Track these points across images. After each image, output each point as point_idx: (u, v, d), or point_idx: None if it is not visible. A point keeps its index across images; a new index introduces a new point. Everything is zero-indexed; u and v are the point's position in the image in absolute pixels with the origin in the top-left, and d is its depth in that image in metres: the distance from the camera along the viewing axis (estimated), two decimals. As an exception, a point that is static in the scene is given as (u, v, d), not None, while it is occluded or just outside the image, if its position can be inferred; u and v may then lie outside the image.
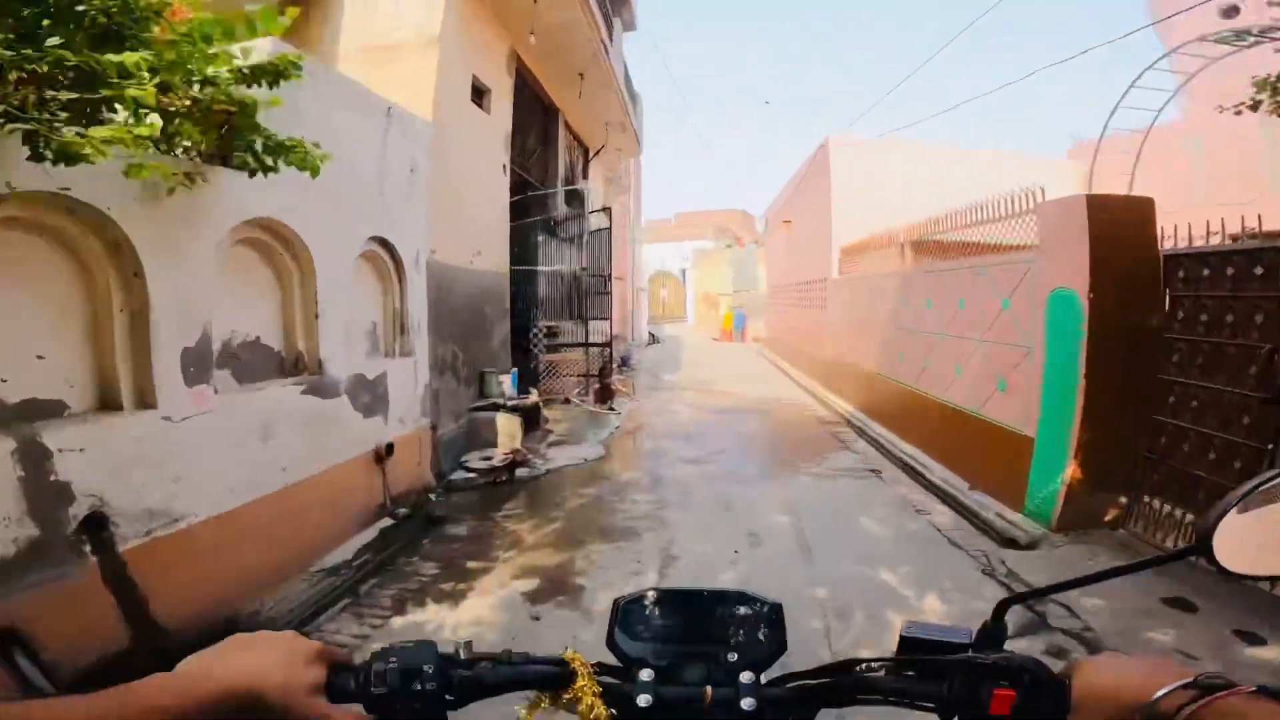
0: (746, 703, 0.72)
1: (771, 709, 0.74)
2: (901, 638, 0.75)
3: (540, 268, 9.25)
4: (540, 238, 9.41)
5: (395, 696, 0.68)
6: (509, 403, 7.33)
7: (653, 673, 0.76)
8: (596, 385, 10.24)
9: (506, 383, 7.58)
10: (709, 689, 0.74)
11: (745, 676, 0.75)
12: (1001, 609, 0.73)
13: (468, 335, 7.38)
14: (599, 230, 11.27)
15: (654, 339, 26.80)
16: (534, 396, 8.14)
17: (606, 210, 11.35)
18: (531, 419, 7.78)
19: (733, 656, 0.79)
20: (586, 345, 11.51)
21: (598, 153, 15.09)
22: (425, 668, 0.70)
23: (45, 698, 0.63)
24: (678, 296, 38.12)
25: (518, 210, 8.94)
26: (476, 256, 7.55)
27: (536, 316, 9.36)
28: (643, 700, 0.73)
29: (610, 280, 11.11)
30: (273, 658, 0.66)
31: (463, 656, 0.75)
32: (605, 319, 11.27)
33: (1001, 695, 0.66)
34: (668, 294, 37.34)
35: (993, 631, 0.72)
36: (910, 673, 0.73)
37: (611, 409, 10.01)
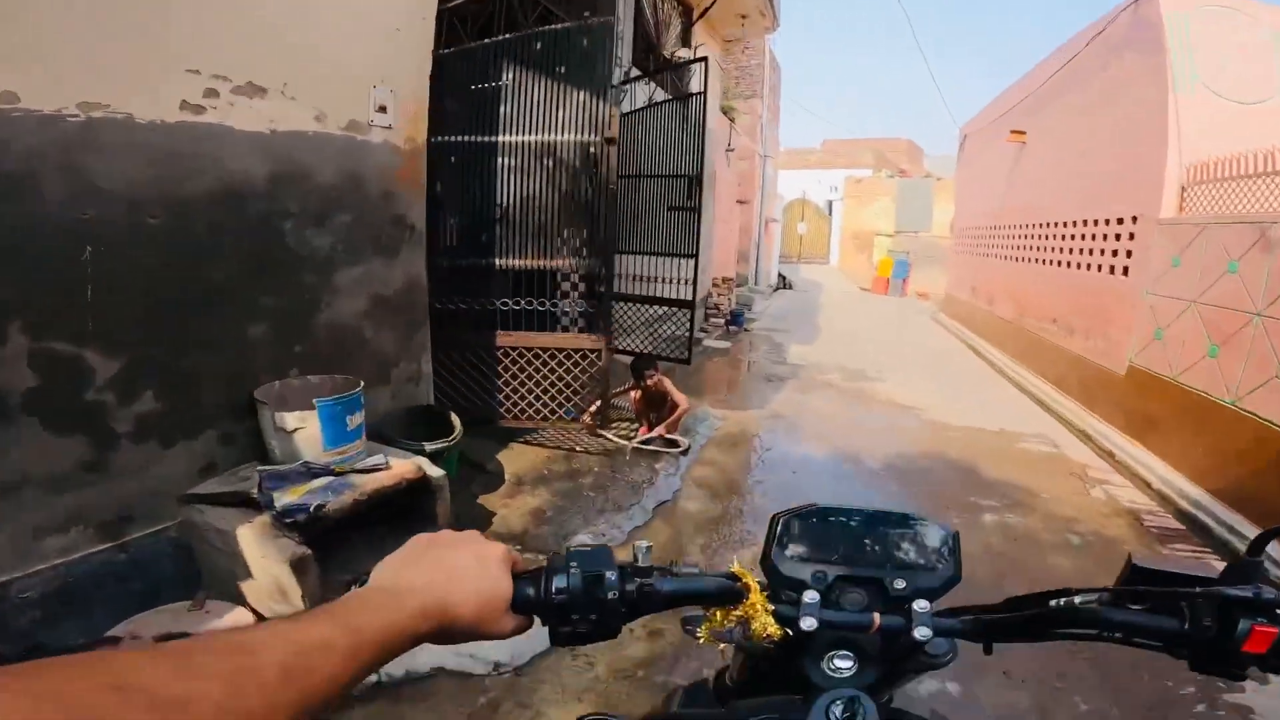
0: (920, 632, 0.68)
1: (949, 640, 0.71)
2: (1132, 567, 0.65)
3: (526, 138, 4.28)
4: (537, 85, 4.32)
5: (575, 605, 0.64)
6: (310, 490, 2.74)
7: (817, 595, 0.71)
8: (635, 394, 5.39)
9: (314, 428, 2.98)
10: (877, 615, 0.70)
11: (919, 605, 0.70)
12: (1262, 542, 0.63)
13: (211, 302, 2.82)
14: (686, 98, 6.12)
15: (784, 283, 21.34)
16: (404, 467, 3.46)
17: (700, 61, 6.13)
18: (399, 514, 3.20)
19: (900, 583, 0.73)
20: (648, 300, 6.58)
21: (705, 11, 9.64)
22: (607, 574, 0.65)
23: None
24: (820, 232, 31.72)
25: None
26: (256, 97, 2.86)
27: (524, 247, 4.48)
28: (807, 623, 0.69)
29: (700, 187, 6.01)
30: (464, 564, 0.61)
31: (641, 563, 0.70)
32: (690, 256, 6.26)
33: (1262, 632, 0.58)
34: (807, 229, 31.08)
35: (1246, 566, 0.62)
36: (1136, 607, 0.64)
37: (671, 443, 5.14)
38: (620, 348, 6.95)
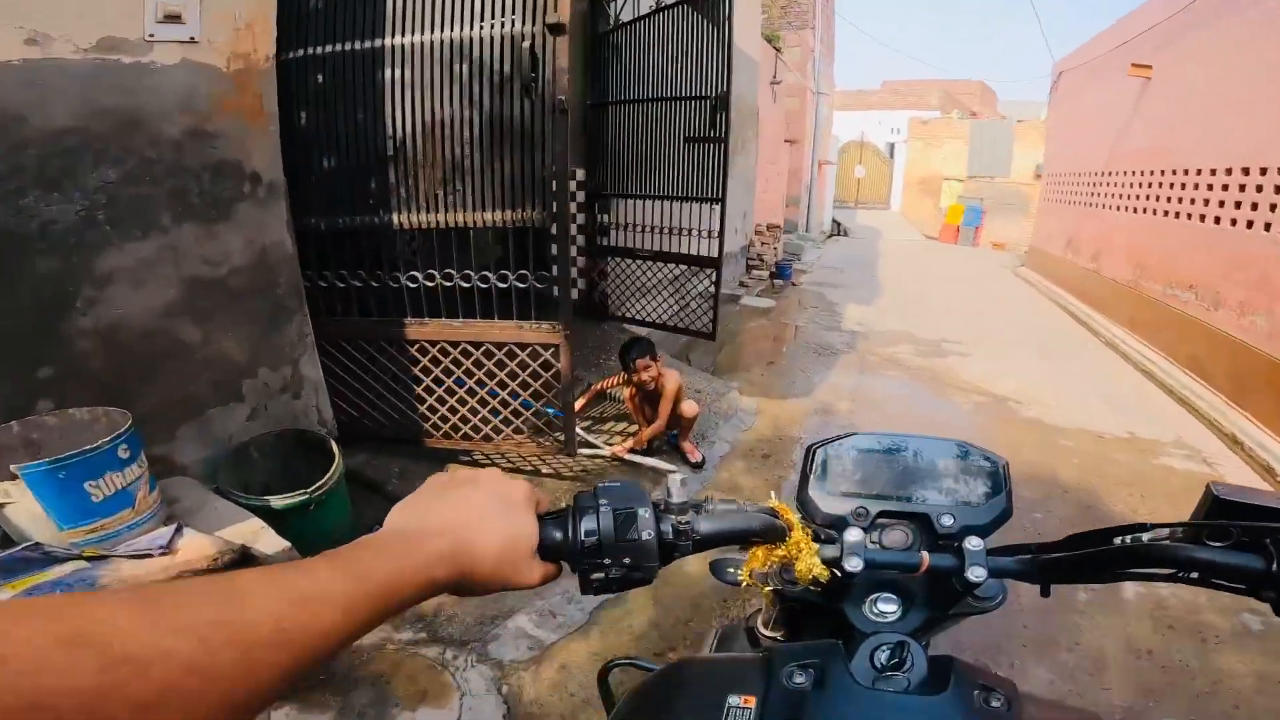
0: (974, 573, 0.62)
1: (1000, 582, 0.67)
2: (1213, 499, 0.57)
3: (425, 36, 2.62)
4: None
5: (607, 549, 0.58)
6: (44, 581, 1.53)
7: (861, 533, 0.66)
8: (628, 392, 3.88)
9: (31, 503, 1.75)
10: (926, 555, 0.65)
11: (972, 543, 0.64)
12: None
13: None
14: None
15: (839, 230, 19.38)
16: (205, 546, 2.08)
17: None
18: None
19: (948, 520, 0.68)
20: (660, 257, 5.07)
21: None
22: (640, 511, 0.59)
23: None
24: (880, 176, 29.04)
25: None
26: None
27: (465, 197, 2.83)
28: (851, 564, 0.65)
29: (726, 112, 4.39)
30: (486, 504, 0.54)
31: (674, 499, 0.63)
32: (715, 200, 4.67)
33: None
34: (865, 172, 28.44)
35: None
36: (1216, 544, 0.55)
37: (689, 461, 3.75)
38: (629, 315, 5.50)
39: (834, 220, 19.86)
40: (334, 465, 2.61)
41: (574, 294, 5.71)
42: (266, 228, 2.78)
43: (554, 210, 2.76)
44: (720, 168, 4.63)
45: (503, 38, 2.62)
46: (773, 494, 0.70)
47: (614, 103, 5.15)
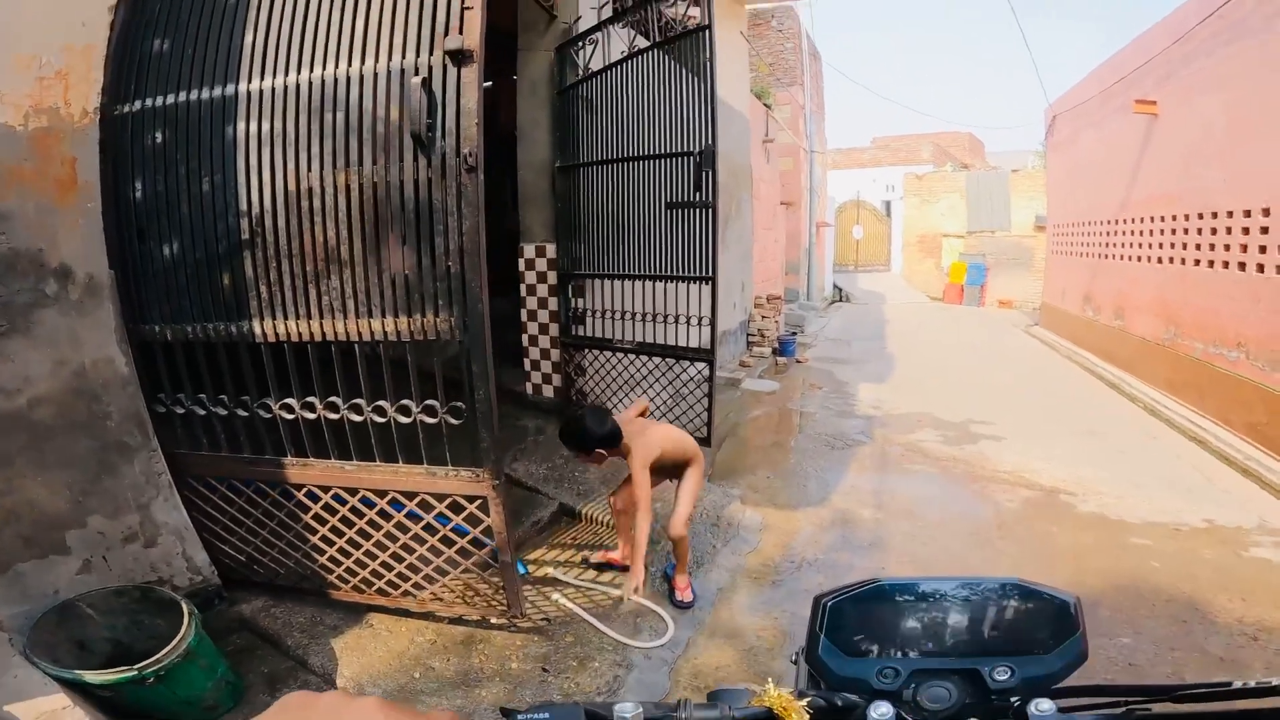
0: None
1: None
2: None
3: (287, 79, 2.06)
4: None
5: None
6: None
7: (890, 709, 0.56)
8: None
9: None
10: None
11: (1040, 707, 0.54)
12: None
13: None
14: (682, 37, 3.89)
15: (841, 295, 18.88)
16: None
17: None
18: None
19: (1003, 674, 0.58)
20: (649, 350, 4.42)
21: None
22: None
23: None
24: (878, 236, 28.82)
25: None
26: None
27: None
28: None
29: (713, 171, 3.75)
30: None
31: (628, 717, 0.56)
32: (704, 280, 4.05)
33: None
34: (864, 233, 28.25)
35: None
36: None
37: (675, 600, 2.99)
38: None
39: (835, 285, 19.43)
40: (182, 628, 1.98)
41: (549, 391, 5.08)
42: (84, 341, 2.18)
43: (467, 313, 2.09)
44: (709, 239, 3.99)
45: (389, 73, 2.02)
46: (770, 684, 0.60)
47: (586, 164, 4.54)
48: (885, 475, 4.87)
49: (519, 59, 4.83)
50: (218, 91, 2.13)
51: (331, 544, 2.51)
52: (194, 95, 2.15)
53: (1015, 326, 12.97)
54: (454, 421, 2.18)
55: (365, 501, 2.39)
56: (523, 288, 5.07)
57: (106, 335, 2.29)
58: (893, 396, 7.16)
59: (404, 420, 2.24)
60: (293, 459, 2.38)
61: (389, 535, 2.43)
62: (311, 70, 2.07)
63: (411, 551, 2.44)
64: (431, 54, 1.97)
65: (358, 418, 2.27)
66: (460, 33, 1.91)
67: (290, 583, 2.67)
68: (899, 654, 0.59)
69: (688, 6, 4.03)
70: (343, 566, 2.54)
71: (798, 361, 9.07)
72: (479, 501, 2.25)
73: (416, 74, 1.97)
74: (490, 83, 7.11)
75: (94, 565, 2.31)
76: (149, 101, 2.18)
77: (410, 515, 2.40)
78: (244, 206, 2.16)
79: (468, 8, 1.89)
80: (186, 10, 2.16)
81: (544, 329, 5.05)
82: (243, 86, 2.11)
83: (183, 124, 2.18)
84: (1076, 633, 0.58)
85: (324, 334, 2.20)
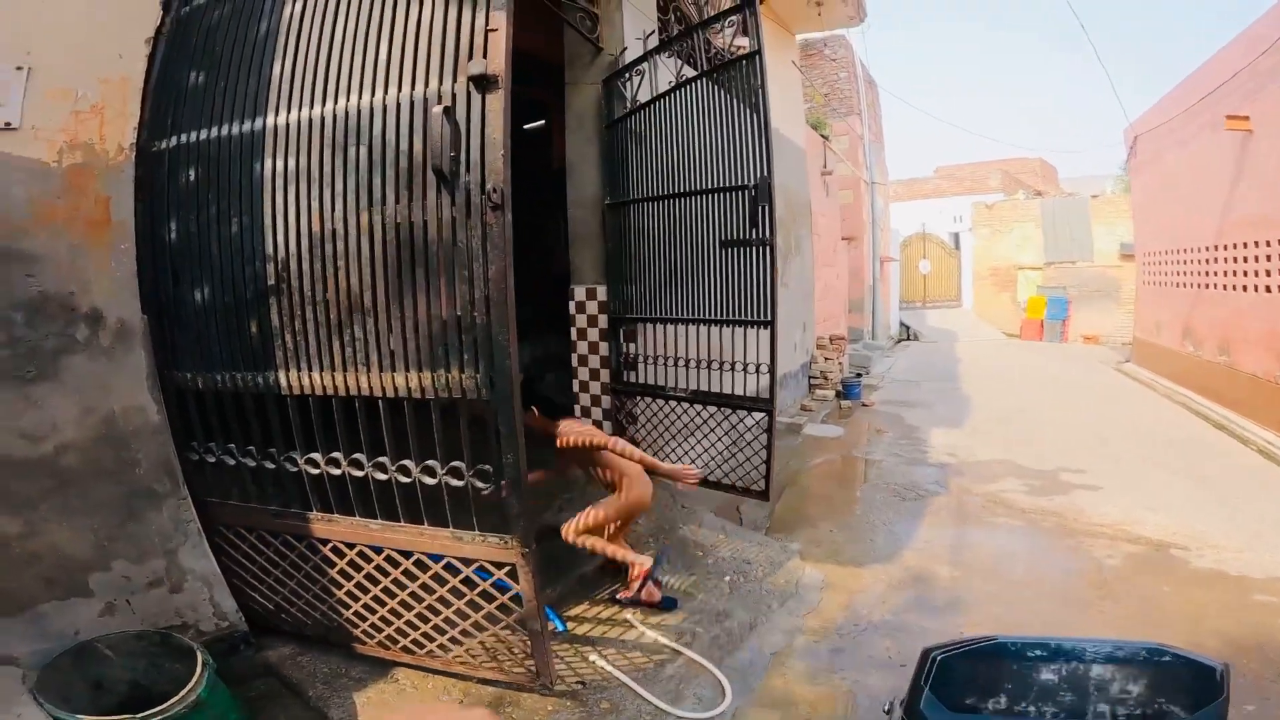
0: None
1: None
2: None
3: (307, 112, 1.95)
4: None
5: None
6: None
7: None
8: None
9: None
10: None
11: None
12: None
13: None
14: (732, 64, 3.75)
15: (908, 334, 18.17)
16: None
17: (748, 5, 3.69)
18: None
19: None
20: (704, 399, 4.20)
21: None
22: None
23: None
24: (947, 270, 27.77)
25: None
26: None
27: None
28: None
29: (770, 204, 3.55)
30: None
31: None
32: (763, 324, 3.82)
33: None
34: (931, 267, 27.28)
35: None
36: None
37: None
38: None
39: (902, 323, 18.72)
40: (190, 684, 1.86)
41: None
42: (114, 389, 2.13)
43: (494, 369, 1.94)
44: (766, 279, 3.77)
45: (411, 102, 1.91)
46: None
47: (636, 200, 4.38)
48: (963, 529, 4.42)
49: (566, 93, 4.78)
50: (246, 126, 2.10)
51: (357, 599, 2.37)
52: (224, 130, 2.12)
53: (1104, 364, 12.06)
54: (481, 485, 2.01)
55: (391, 560, 2.25)
56: (573, 331, 4.94)
57: (137, 382, 2.25)
58: (969, 442, 6.63)
59: (429, 481, 2.09)
60: (318, 514, 2.27)
61: (414, 595, 2.27)
62: (336, 102, 2.01)
63: (438, 613, 2.27)
64: (455, 81, 1.87)
65: (382, 476, 2.14)
66: (485, 56, 1.80)
67: (317, 633, 2.55)
68: (1014, 714, 0.48)
69: (735, 34, 3.91)
70: (368, 621, 2.40)
71: (863, 405, 8.61)
72: (507, 568, 2.06)
73: (439, 102, 1.86)
74: (543, 121, 7.19)
75: (117, 608, 2.26)
76: (184, 137, 2.16)
77: (445, 569, 2.25)
78: (270, 250, 2.10)
79: (492, 30, 1.79)
80: (221, 41, 2.15)
81: (595, 374, 4.89)
82: (269, 120, 2.07)
83: (214, 161, 2.15)
84: (1220, 696, 0.51)
85: (347, 388, 2.10)
